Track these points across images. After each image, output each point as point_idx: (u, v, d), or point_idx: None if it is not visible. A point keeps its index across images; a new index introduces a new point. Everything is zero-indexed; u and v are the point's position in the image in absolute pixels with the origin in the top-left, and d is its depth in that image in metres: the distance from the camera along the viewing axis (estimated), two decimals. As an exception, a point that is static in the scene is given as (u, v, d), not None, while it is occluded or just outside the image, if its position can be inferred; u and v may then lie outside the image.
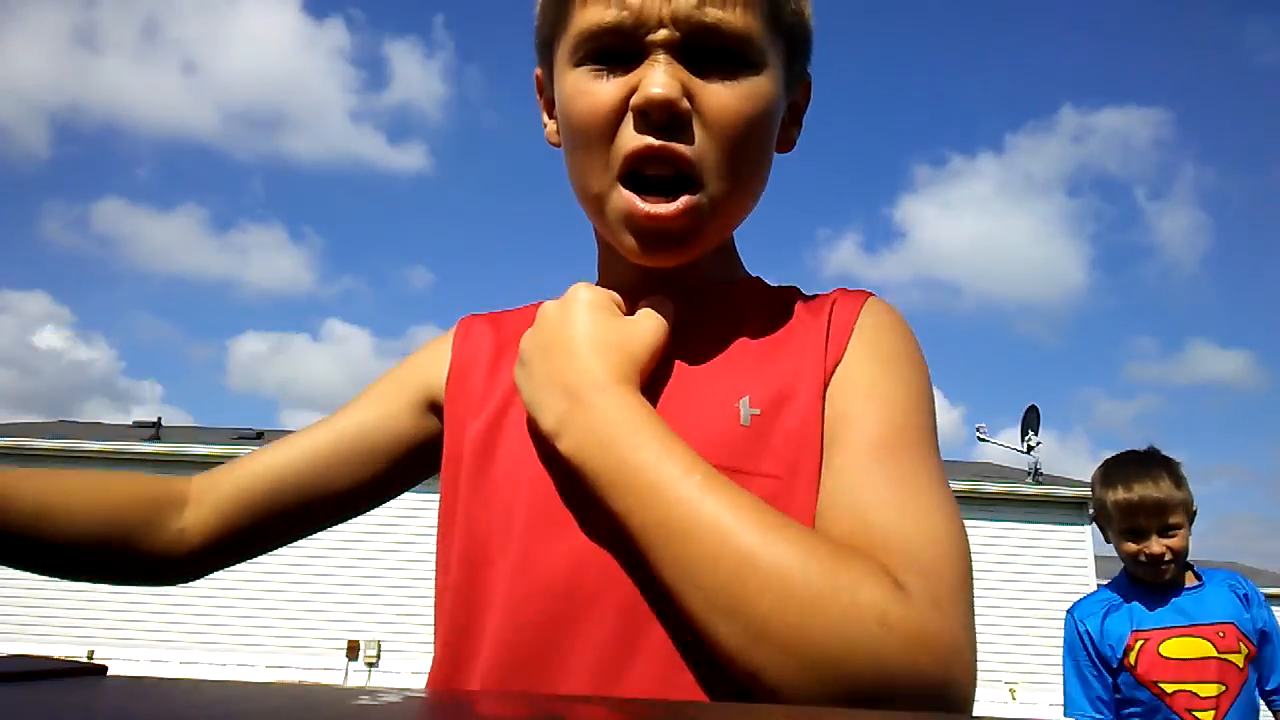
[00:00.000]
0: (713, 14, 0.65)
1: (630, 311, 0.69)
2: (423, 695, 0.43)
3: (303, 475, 0.76)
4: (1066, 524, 13.51)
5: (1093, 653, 2.21)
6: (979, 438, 15.75)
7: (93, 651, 12.59)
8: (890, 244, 38.10)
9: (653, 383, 0.66)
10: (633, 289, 0.71)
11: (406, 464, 0.78)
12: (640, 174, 0.66)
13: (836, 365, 0.66)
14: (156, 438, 14.28)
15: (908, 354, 0.68)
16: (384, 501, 0.80)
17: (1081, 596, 2.34)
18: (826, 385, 0.65)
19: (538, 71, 0.77)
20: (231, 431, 15.89)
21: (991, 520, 13.39)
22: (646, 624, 0.58)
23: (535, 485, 0.64)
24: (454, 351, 0.78)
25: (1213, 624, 2.13)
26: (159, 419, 15.47)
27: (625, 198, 0.66)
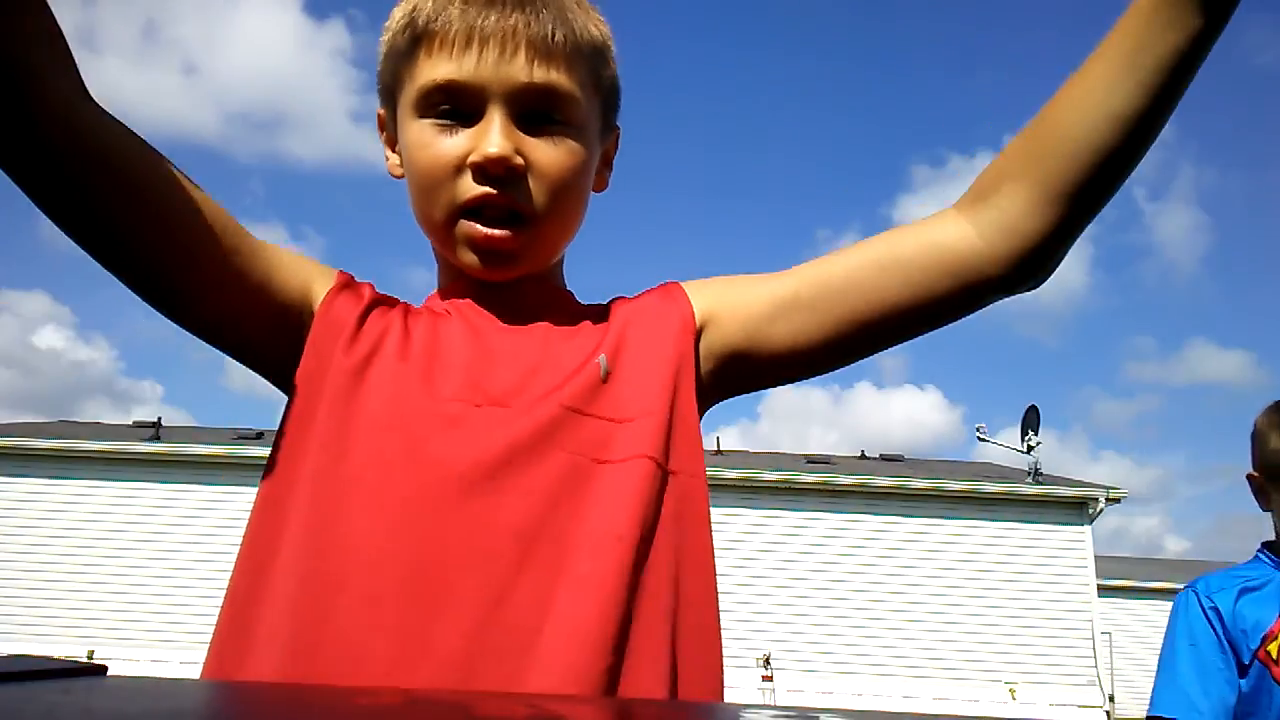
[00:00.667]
0: (542, 77, 0.75)
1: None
2: (423, 695, 0.43)
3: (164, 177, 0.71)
4: (1066, 524, 13.51)
5: (1223, 638, 1.63)
6: (979, 438, 15.76)
7: (93, 651, 12.59)
8: (890, 244, 37.92)
9: (516, 345, 0.77)
10: (475, 298, 0.81)
11: (270, 304, 0.76)
12: (478, 213, 0.76)
13: (693, 317, 0.80)
14: (156, 438, 14.27)
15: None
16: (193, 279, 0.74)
17: (1199, 575, 1.78)
18: (680, 346, 0.79)
19: (380, 110, 0.86)
20: (231, 431, 15.88)
21: (991, 520, 13.39)
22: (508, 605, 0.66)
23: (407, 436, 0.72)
24: (333, 286, 0.80)
25: None
26: (159, 419, 15.46)
27: (468, 226, 0.76)
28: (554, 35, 0.75)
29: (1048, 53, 37.35)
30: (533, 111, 0.76)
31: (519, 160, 0.74)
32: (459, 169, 0.75)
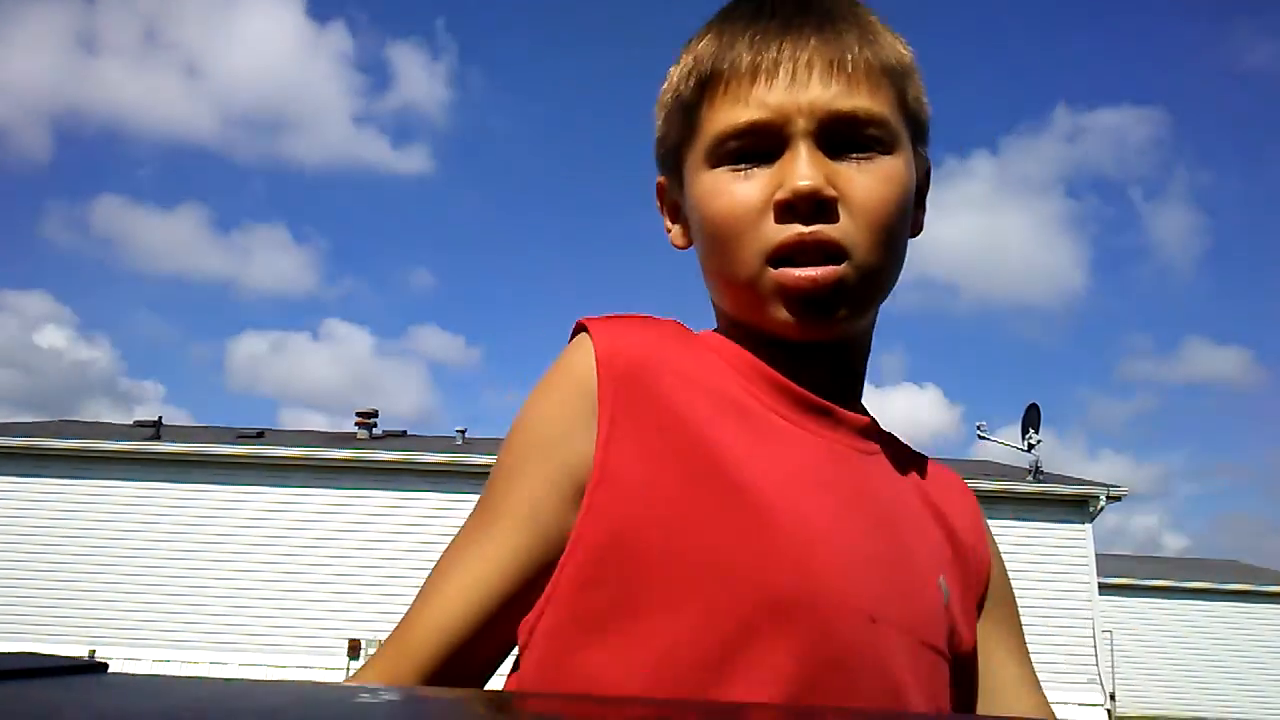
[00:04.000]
0: (847, 102, 0.66)
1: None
2: (423, 694, 0.43)
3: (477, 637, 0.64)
4: (1067, 522, 13.51)
5: None
6: (980, 435, 15.76)
7: (94, 650, 12.60)
8: (890, 243, 37.99)
9: (891, 537, 0.67)
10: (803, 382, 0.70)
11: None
12: (789, 260, 0.66)
13: (987, 576, 0.77)
14: (157, 437, 14.28)
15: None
16: None
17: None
18: (979, 591, 0.75)
19: (660, 179, 0.78)
20: (232, 431, 15.89)
21: (992, 518, 13.27)
22: None
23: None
24: (603, 398, 0.64)
25: None
26: (159, 418, 15.47)
27: (780, 273, 0.66)
28: (854, 52, 0.67)
29: (1044, 54, 37.37)
30: (839, 139, 0.67)
31: (831, 191, 0.65)
32: (762, 212, 0.66)
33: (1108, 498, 13.49)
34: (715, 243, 0.69)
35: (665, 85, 0.75)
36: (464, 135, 36.29)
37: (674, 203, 0.77)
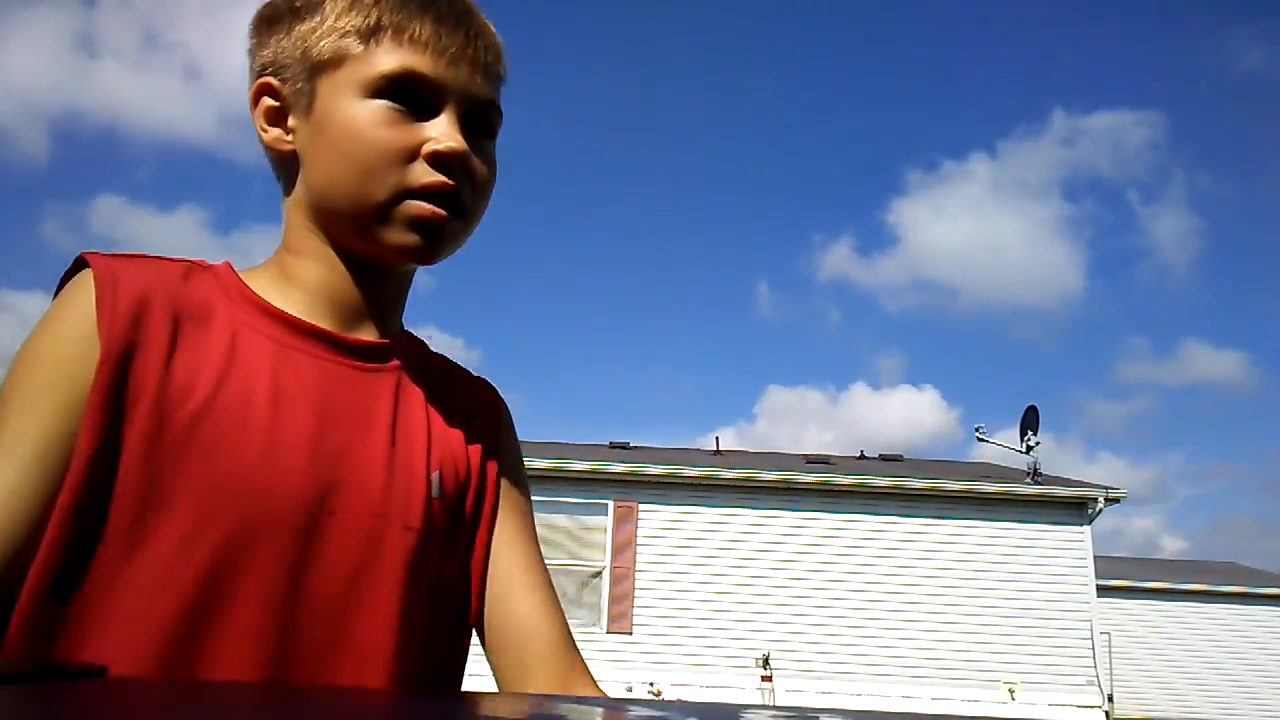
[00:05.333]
0: (488, 94, 0.83)
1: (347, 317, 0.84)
2: (420, 695, 0.43)
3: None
4: (1066, 524, 13.50)
5: None
6: (978, 438, 15.76)
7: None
8: (884, 248, 38.21)
9: (363, 439, 0.80)
10: (339, 310, 0.83)
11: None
12: (426, 199, 0.79)
13: (495, 471, 0.89)
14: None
15: (522, 464, 0.96)
16: None
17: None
18: (484, 486, 0.88)
19: (269, 81, 0.83)
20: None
21: (991, 520, 13.39)
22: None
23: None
24: (102, 322, 0.70)
25: None
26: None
27: (417, 205, 0.79)
28: (498, 59, 0.84)
29: (1041, 57, 37.37)
30: (474, 121, 0.82)
31: (473, 159, 0.81)
32: (412, 154, 0.79)
33: (1106, 500, 13.48)
34: (359, 165, 0.79)
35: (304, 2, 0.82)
36: (463, 137, 36.18)
37: (283, 109, 0.83)
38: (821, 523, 13.31)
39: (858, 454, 17.18)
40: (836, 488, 13.37)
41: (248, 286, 0.81)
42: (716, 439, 16.47)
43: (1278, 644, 20.43)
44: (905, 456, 17.16)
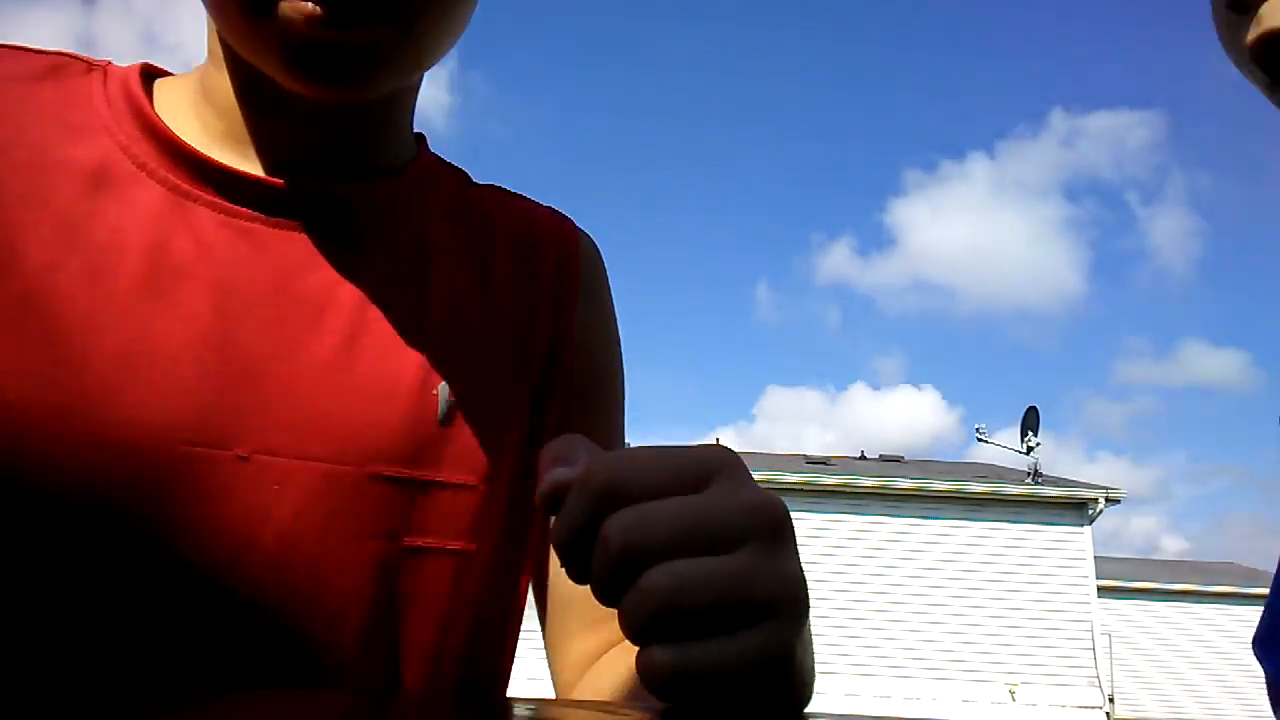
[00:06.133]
0: None
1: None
2: (427, 697, 0.43)
3: None
4: (1066, 524, 13.50)
5: None
6: (979, 438, 15.75)
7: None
8: (883, 249, 38.18)
9: (300, 343, 0.49)
10: (278, 147, 0.53)
11: None
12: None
13: (563, 338, 0.58)
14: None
15: (617, 341, 0.64)
16: None
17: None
18: (542, 375, 0.57)
19: None
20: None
21: (991, 520, 13.38)
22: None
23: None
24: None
25: None
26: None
27: (288, 18, 0.45)
28: None
29: (1037, 56, 37.42)
30: None
31: None
32: None
33: (1106, 500, 13.48)
34: None
35: None
36: (464, 140, 36.36)
37: None
38: (808, 523, 13.30)
39: (858, 454, 17.17)
40: (834, 488, 13.36)
41: (145, 100, 0.52)
42: (716, 439, 16.46)
43: (1278, 644, 20.41)
44: (905, 458, 17.15)
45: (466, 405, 0.52)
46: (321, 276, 0.51)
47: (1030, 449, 14.36)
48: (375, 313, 0.52)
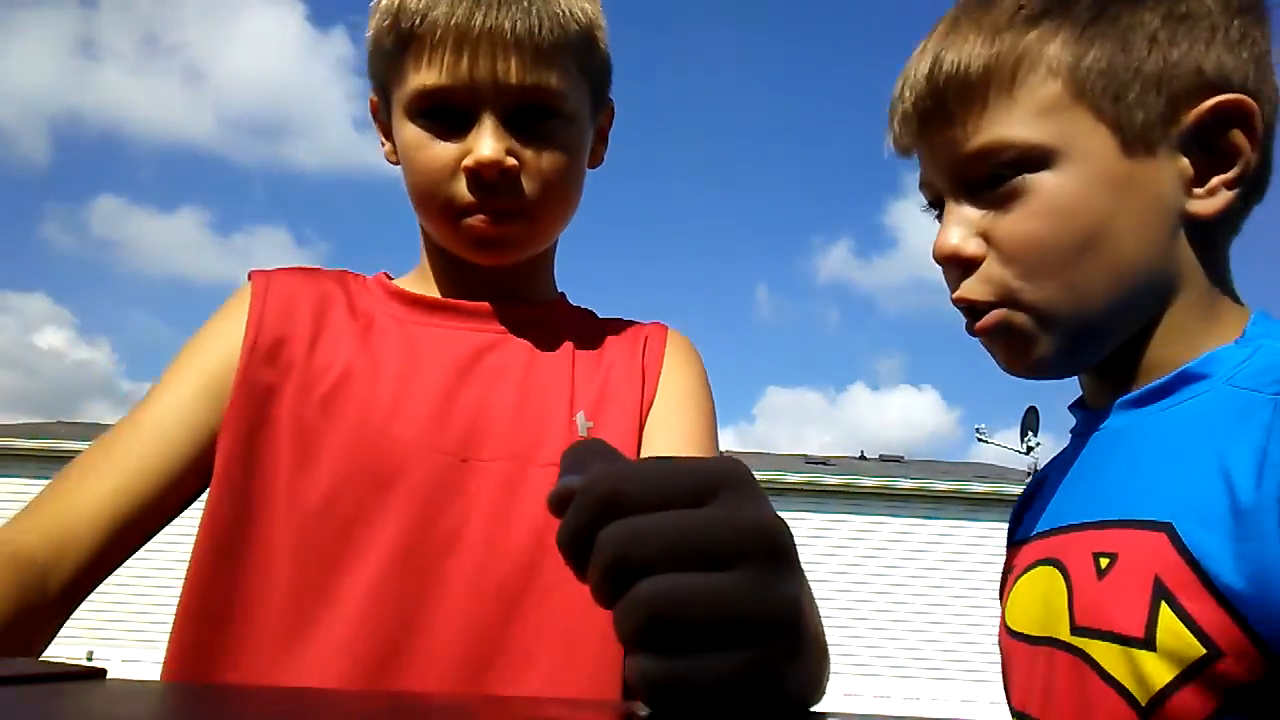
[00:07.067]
0: (531, 78, 0.75)
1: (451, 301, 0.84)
2: (425, 697, 0.43)
3: (135, 505, 0.71)
4: (1066, 525, 13.52)
5: None
6: (979, 439, 15.74)
7: (91, 652, 12.57)
8: (882, 250, 38.18)
9: (494, 392, 0.79)
10: (470, 295, 0.84)
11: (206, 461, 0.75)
12: (474, 214, 0.78)
13: (654, 394, 0.83)
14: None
15: (704, 386, 0.86)
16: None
17: None
18: (644, 412, 0.81)
19: (373, 97, 0.86)
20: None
21: (989, 521, 13.39)
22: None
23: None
24: (251, 320, 0.79)
25: (1122, 524, 0.58)
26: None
27: (469, 224, 0.78)
28: (540, 30, 0.75)
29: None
30: (524, 109, 0.77)
31: (512, 162, 0.76)
32: (454, 172, 0.77)
33: (1106, 500, 13.48)
34: (415, 189, 0.80)
35: (372, 13, 0.81)
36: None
37: (385, 123, 0.85)
38: (809, 523, 13.30)
39: (858, 455, 17.16)
40: (835, 488, 13.36)
41: (388, 279, 0.87)
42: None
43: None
44: (906, 458, 17.14)
45: (600, 427, 0.79)
46: (507, 353, 0.81)
47: (1030, 449, 14.35)
48: (538, 372, 0.81)
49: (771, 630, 0.33)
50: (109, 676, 0.38)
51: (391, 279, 0.88)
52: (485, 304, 0.83)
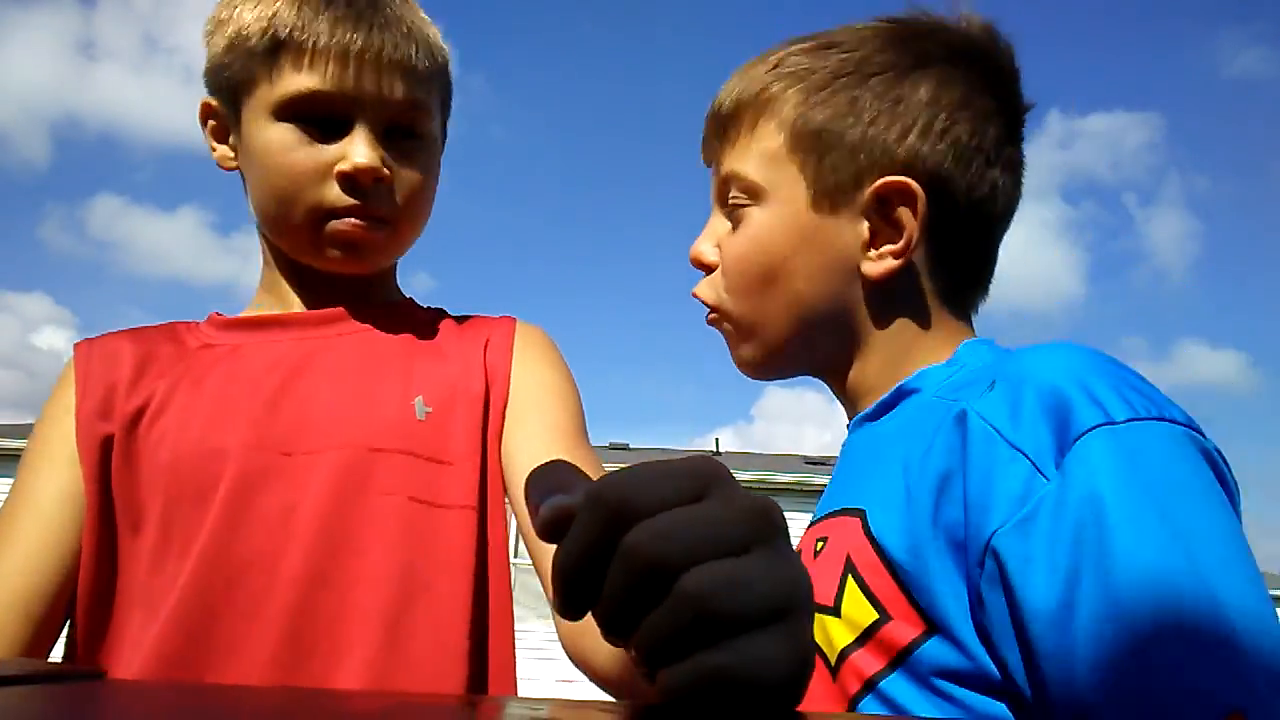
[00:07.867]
0: (406, 96, 0.81)
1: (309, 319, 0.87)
2: (423, 698, 0.43)
3: (47, 584, 0.76)
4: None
5: None
6: (977, 439, 15.71)
7: None
8: (886, 246, 38.03)
9: (325, 389, 0.81)
10: (321, 303, 0.87)
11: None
12: (343, 218, 0.81)
13: (504, 385, 0.84)
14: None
15: (563, 376, 0.88)
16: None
17: None
18: (489, 400, 0.83)
19: (209, 101, 0.86)
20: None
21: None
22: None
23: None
24: (78, 383, 0.82)
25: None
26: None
27: (338, 225, 0.80)
28: (417, 55, 0.81)
29: (1034, 58, 37.35)
30: (394, 127, 0.82)
31: (386, 171, 0.80)
32: (324, 176, 0.79)
33: (1105, 500, 13.47)
34: (275, 190, 0.81)
35: (224, 17, 0.82)
36: (465, 141, 36.37)
37: (223, 127, 0.86)
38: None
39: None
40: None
41: (217, 313, 0.89)
42: (716, 440, 16.47)
43: None
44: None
45: (441, 413, 0.81)
46: (340, 352, 0.83)
47: (1029, 449, 14.33)
48: (374, 365, 0.83)
49: (801, 603, 0.34)
50: (107, 677, 0.38)
51: (218, 314, 0.90)
52: (320, 311, 0.86)
